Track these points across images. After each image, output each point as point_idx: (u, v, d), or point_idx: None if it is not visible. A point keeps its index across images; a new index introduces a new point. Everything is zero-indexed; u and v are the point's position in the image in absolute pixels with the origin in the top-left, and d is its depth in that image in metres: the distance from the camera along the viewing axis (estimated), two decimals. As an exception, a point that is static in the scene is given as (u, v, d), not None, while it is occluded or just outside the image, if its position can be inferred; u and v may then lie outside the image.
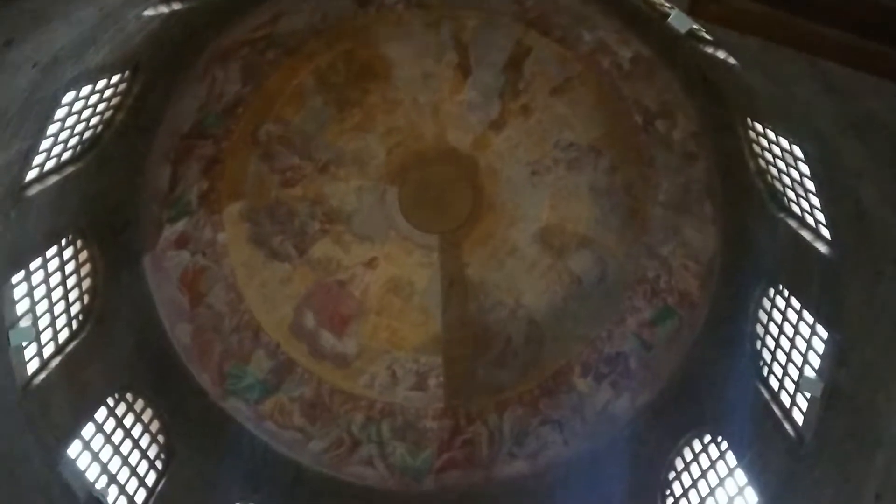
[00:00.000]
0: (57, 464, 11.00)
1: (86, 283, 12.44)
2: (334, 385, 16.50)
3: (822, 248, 10.05)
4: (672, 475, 13.43)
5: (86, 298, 12.43)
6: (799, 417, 11.05)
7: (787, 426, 11.21)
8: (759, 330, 12.46)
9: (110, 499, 11.83)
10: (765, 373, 12.20)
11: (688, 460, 13.30)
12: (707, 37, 10.45)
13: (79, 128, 11.02)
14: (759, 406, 11.93)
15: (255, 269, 16.07)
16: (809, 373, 10.75)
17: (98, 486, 11.69)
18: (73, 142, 11.07)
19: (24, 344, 10.41)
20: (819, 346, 10.64)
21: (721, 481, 12.36)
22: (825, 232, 9.97)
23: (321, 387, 16.36)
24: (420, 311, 17.45)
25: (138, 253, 13.68)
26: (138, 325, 13.71)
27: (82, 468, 11.60)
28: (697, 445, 13.27)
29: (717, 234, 13.74)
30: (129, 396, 13.19)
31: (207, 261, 15.21)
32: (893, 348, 8.67)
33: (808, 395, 10.66)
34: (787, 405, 11.41)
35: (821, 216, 9.96)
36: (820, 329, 10.63)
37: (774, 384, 11.89)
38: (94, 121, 11.40)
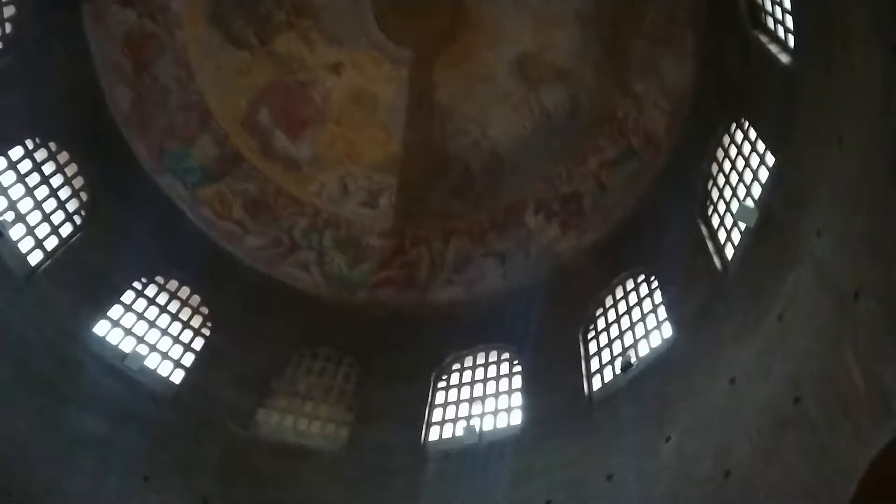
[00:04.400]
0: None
1: (8, 11, 11.65)
2: (281, 187, 16.00)
3: (785, 58, 9.20)
4: (599, 311, 13.05)
5: (7, 27, 11.67)
6: (730, 252, 10.50)
7: (717, 260, 10.77)
8: (714, 168, 11.71)
9: (14, 233, 11.50)
10: (709, 212, 11.56)
11: (618, 297, 12.89)
12: None
13: None
14: (696, 244, 11.38)
15: (210, 50, 15.15)
16: (749, 203, 10.08)
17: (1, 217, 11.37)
18: None
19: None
20: (764, 176, 9.93)
21: (643, 317, 11.96)
22: (790, 40, 9.02)
23: (267, 186, 15.87)
24: (381, 128, 16.68)
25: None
26: (72, 76, 12.99)
27: (-15, 197, 11.26)
28: (630, 284, 12.85)
29: (694, 67, 12.70)
30: (52, 145, 12.69)
31: (157, 27, 14.26)
32: (826, 167, 7.97)
33: (744, 225, 10.04)
34: (722, 241, 10.84)
35: (790, 22, 8.98)
36: (768, 157, 9.89)
37: (715, 222, 11.27)
38: None
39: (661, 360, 10.69)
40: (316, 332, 14.64)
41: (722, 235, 10.89)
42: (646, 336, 11.55)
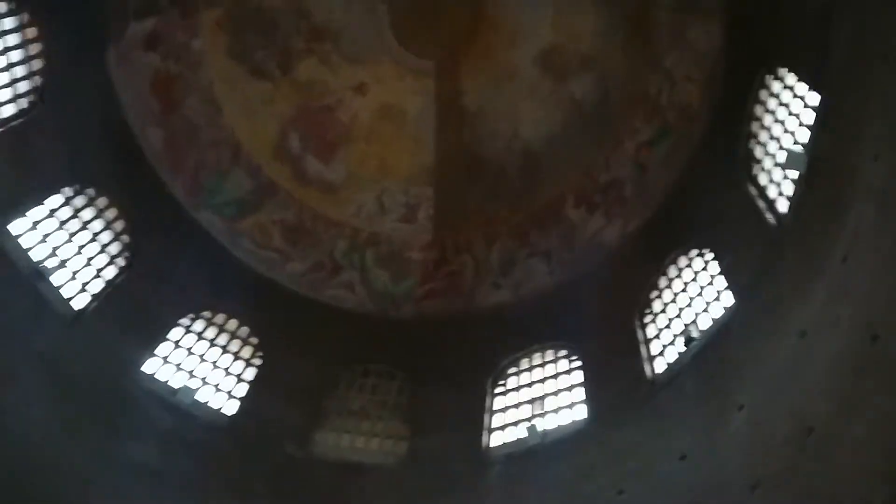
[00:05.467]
0: (-2, 233, 10.84)
1: (37, 64, 11.97)
2: (318, 211, 15.94)
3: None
4: (654, 294, 12.44)
5: (37, 79, 11.97)
6: (783, 205, 9.87)
7: (770, 217, 10.13)
8: (755, 127, 11.12)
9: (58, 278, 11.64)
10: (754, 171, 10.94)
11: (672, 277, 12.27)
12: None
13: None
14: (746, 207, 10.76)
15: (235, 85, 15.31)
16: (797, 148, 9.49)
17: (44, 264, 11.51)
18: None
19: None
20: (809, 118, 9.33)
21: (700, 291, 11.32)
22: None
23: (304, 211, 15.83)
24: (412, 141, 16.56)
25: (100, 42, 13.04)
26: (103, 120, 13.16)
27: (26, 247, 11.40)
28: (683, 261, 12.23)
29: (721, 29, 12.22)
30: (90, 191, 12.84)
31: (181, 68, 14.49)
32: (874, 90, 7.40)
33: (794, 174, 9.44)
34: (773, 196, 10.21)
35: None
36: (812, 97, 9.32)
37: (763, 179, 10.65)
38: None
39: (724, 330, 10.04)
40: (365, 350, 14.36)
41: (773, 192, 10.27)
42: (706, 309, 10.91)
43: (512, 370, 13.51)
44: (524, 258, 15.27)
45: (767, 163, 10.57)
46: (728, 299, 10.48)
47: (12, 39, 11.50)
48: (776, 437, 7.73)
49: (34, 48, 11.92)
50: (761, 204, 10.34)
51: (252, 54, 15.42)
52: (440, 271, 15.76)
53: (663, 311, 11.96)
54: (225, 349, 13.55)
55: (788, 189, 9.70)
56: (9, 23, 11.43)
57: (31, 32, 11.83)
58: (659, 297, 12.30)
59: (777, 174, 10.17)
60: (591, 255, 14.34)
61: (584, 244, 14.60)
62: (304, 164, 16.07)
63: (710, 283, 11.13)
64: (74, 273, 12.03)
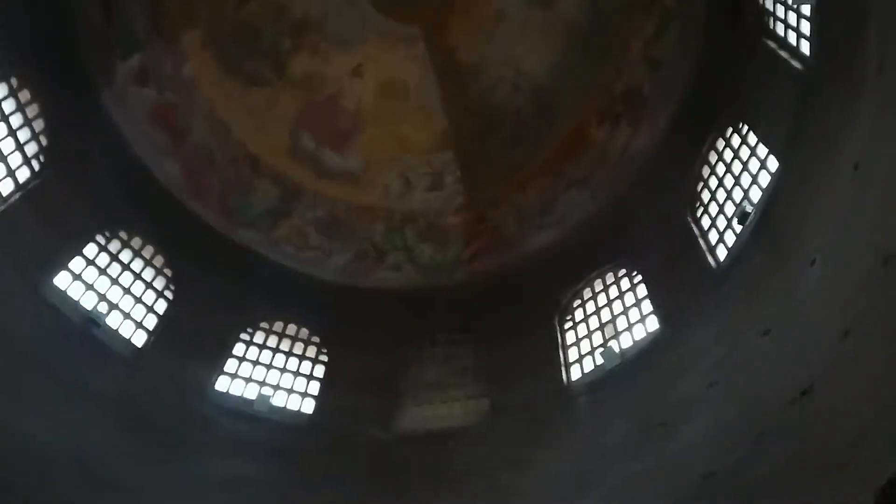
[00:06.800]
0: (43, 291, 11.02)
1: (38, 125, 12.13)
2: (348, 202, 15.83)
3: None
4: (700, 186, 11.86)
5: (42, 139, 12.14)
6: (806, 47, 9.24)
7: (795, 63, 9.50)
8: (761, -16, 10.46)
9: (112, 320, 11.80)
10: (771, 24, 10.27)
11: (712, 163, 11.67)
12: None
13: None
14: (768, 63, 10.11)
15: (234, 99, 15.23)
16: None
17: (97, 310, 11.67)
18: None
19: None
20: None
21: (744, 166, 10.70)
22: None
23: (334, 206, 15.72)
24: (420, 111, 16.29)
25: (94, 91, 13.16)
26: (118, 164, 13.21)
27: (75, 297, 11.58)
28: (720, 144, 11.61)
29: None
30: (122, 234, 13.00)
31: (179, 96, 14.53)
32: None
33: (807, 9, 8.80)
34: (794, 42, 9.56)
35: None
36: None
37: (780, 29, 9.99)
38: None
39: (776, 193, 9.46)
40: (427, 323, 14.14)
41: (792, 37, 9.60)
42: (754, 181, 10.30)
43: (576, 303, 13.13)
44: (561, 192, 14.80)
45: (780, 11, 9.88)
46: (773, 164, 9.85)
47: (8, 106, 11.65)
48: (856, 275, 7.16)
49: (32, 110, 12.10)
50: (784, 54, 9.68)
51: (242, 65, 15.35)
52: (481, 228, 15.46)
53: (713, 198, 11.39)
54: (290, 353, 13.57)
55: (807, 28, 9.03)
56: (0, 90, 11.59)
57: (24, 96, 11.99)
58: (705, 186, 11.72)
59: (792, 17, 9.49)
60: (628, 168, 13.75)
61: (618, 159, 14.04)
62: (322, 160, 15.95)
63: (752, 155, 10.50)
64: (127, 313, 12.20)
